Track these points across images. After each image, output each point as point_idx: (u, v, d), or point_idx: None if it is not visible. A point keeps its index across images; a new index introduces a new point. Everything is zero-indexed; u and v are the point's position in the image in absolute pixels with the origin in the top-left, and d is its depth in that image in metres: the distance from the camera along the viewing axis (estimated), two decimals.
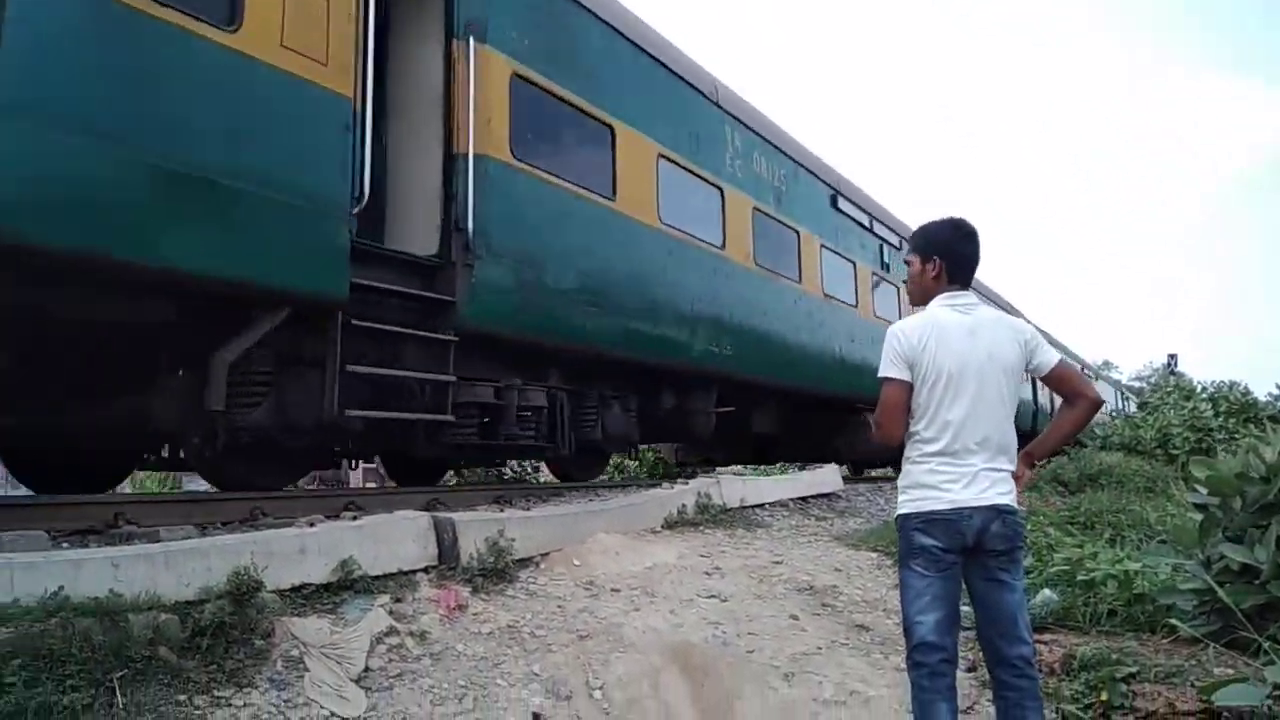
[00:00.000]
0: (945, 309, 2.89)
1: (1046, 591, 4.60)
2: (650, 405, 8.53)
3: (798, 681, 3.85)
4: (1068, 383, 2.92)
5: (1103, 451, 13.64)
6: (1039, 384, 15.57)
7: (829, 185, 12.26)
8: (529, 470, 17.18)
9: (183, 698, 2.94)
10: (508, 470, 15.97)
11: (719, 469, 8.62)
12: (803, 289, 10.87)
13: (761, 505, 7.54)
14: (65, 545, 3.85)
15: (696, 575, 5.06)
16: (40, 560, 3.03)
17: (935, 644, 2.68)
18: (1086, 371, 31.49)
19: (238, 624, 3.29)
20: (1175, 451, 17.29)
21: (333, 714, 3.10)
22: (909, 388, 2.85)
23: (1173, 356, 35.79)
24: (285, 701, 3.08)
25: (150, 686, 2.92)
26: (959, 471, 2.75)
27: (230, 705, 3.00)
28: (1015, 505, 2.79)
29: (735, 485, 7.30)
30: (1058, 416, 2.99)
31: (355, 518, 4.38)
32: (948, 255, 3.00)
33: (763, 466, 10.07)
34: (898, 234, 14.01)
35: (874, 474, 16.08)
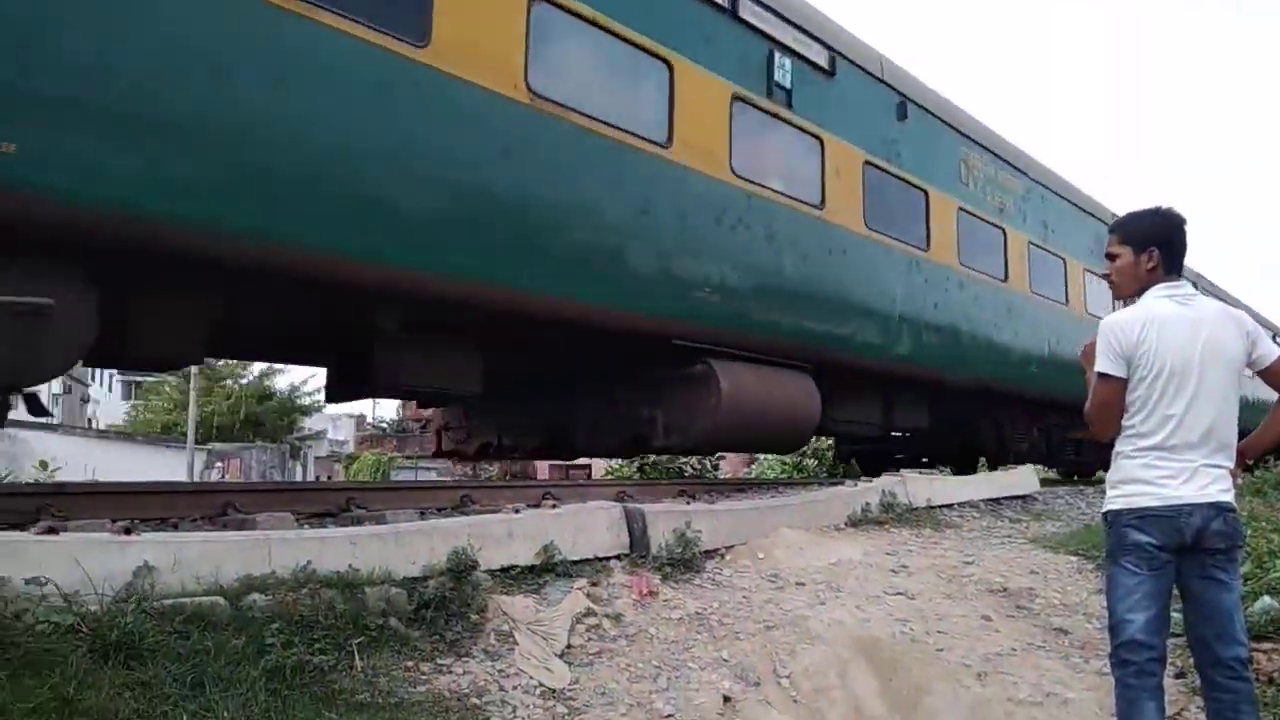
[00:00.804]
0: (1164, 300, 2.80)
1: (1267, 599, 4.30)
2: None
3: (990, 681, 3.79)
4: None
5: None
6: None
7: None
8: (709, 468, 17.45)
9: (410, 664, 3.28)
10: (688, 467, 16.31)
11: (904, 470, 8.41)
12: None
13: (950, 506, 7.35)
14: (306, 525, 4.34)
15: (882, 572, 5.04)
16: (293, 537, 3.46)
17: (1144, 642, 2.60)
18: None
19: (456, 599, 3.62)
20: None
21: (540, 684, 3.35)
22: (1124, 384, 2.77)
23: None
24: (499, 671, 3.37)
25: (383, 652, 3.26)
26: (1178, 466, 2.66)
27: (451, 672, 3.31)
28: (1234, 503, 2.68)
29: (921, 484, 7.17)
30: (1272, 415, 2.83)
31: (555, 506, 4.68)
32: (1165, 245, 2.90)
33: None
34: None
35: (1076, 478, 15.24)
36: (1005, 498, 8.42)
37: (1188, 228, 2.95)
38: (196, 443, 27.50)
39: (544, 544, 4.19)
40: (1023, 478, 9.00)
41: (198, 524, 4.03)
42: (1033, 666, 3.98)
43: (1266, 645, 3.89)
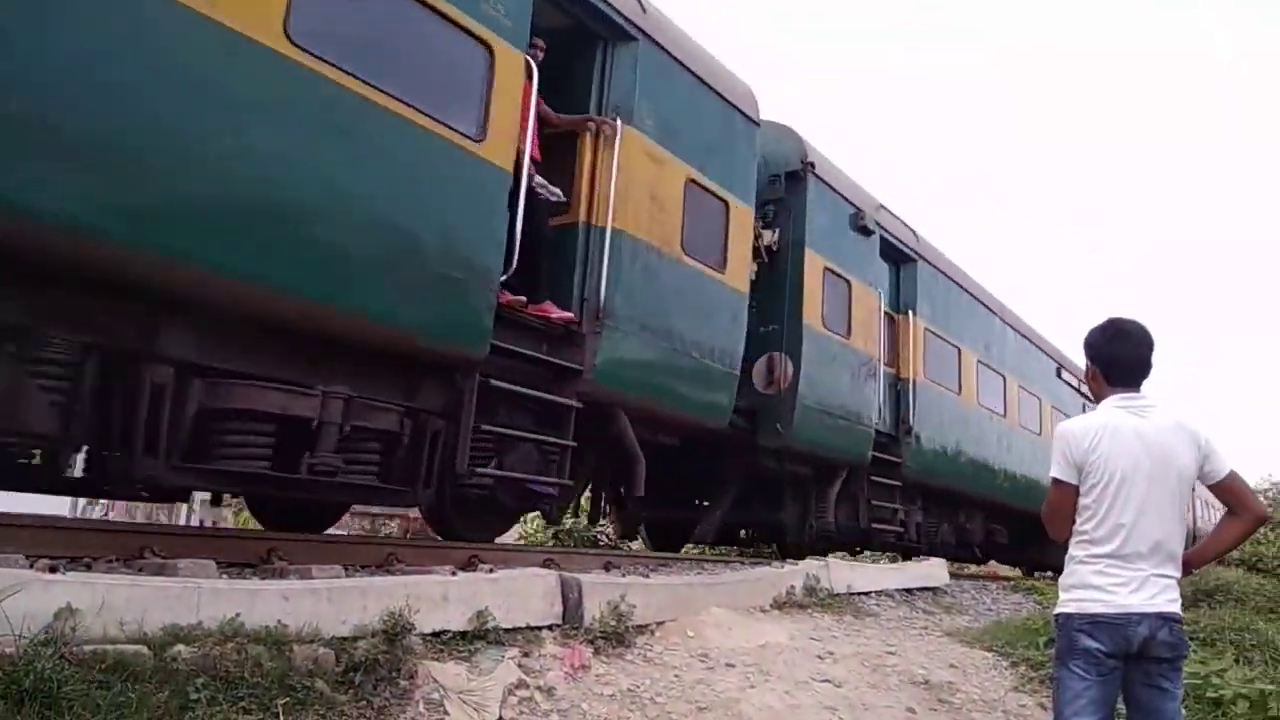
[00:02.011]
0: (1119, 410, 2.91)
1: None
2: None
3: None
4: (1237, 494, 2.88)
5: (1221, 567, 12.99)
6: None
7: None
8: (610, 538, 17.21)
9: None
10: (604, 537, 16.07)
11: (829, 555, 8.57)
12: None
13: (868, 593, 7.44)
14: (226, 575, 4.12)
15: (809, 658, 5.05)
16: (225, 587, 3.29)
17: None
18: None
19: (386, 662, 3.47)
20: None
21: None
22: (1075, 490, 2.87)
23: None
24: None
25: (309, 716, 3.09)
26: (1129, 575, 2.75)
27: None
28: (1180, 614, 2.77)
29: (843, 570, 7.25)
30: (1220, 528, 2.96)
31: (491, 570, 4.56)
32: (1098, 359, 3.04)
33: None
34: None
35: (971, 569, 15.66)
36: (918, 588, 8.58)
37: (1138, 339, 2.99)
38: None
39: (478, 609, 4.06)
40: (934, 570, 9.18)
41: (113, 566, 3.79)
42: None
43: None
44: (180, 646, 2.92)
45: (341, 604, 3.54)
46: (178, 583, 3.23)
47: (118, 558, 3.91)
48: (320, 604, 3.47)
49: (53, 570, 3.10)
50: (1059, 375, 16.08)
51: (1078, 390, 15.89)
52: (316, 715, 3.13)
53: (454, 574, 4.29)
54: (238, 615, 3.19)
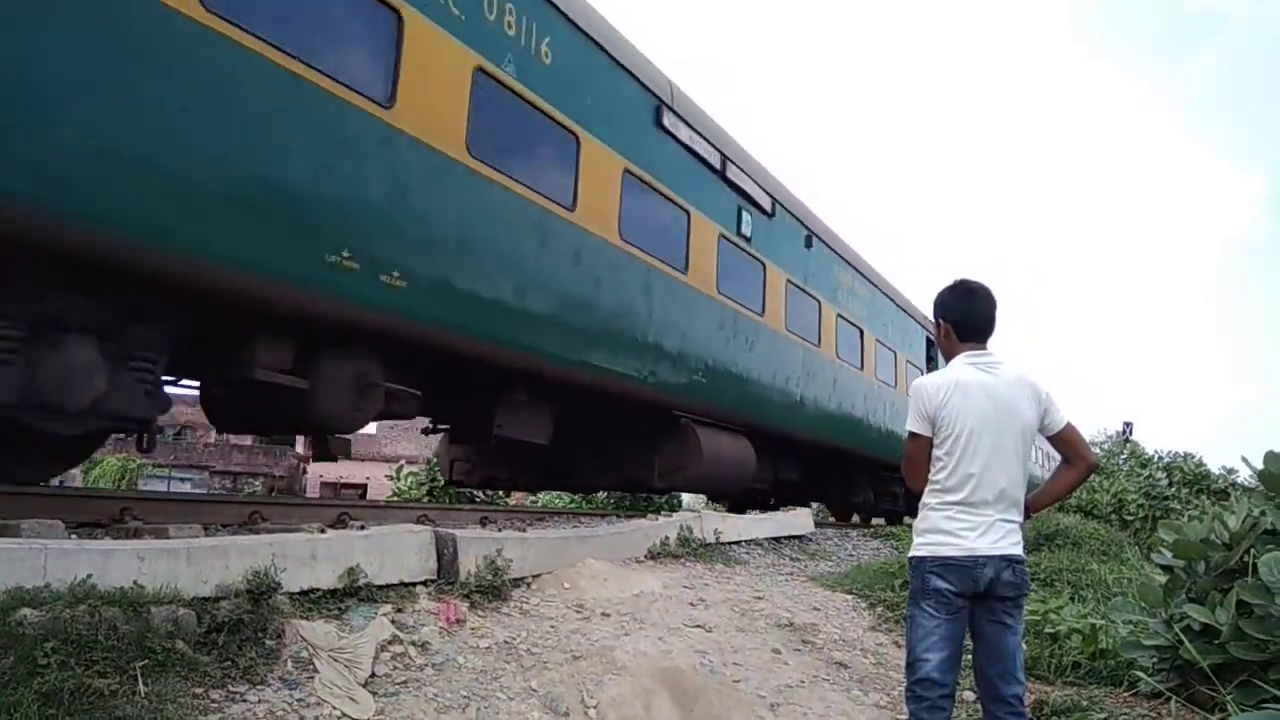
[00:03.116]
0: (967, 366, 3.08)
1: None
2: None
3: (783, 712, 4.00)
4: (1072, 444, 3.10)
5: (1059, 513, 14.04)
6: None
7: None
8: (499, 494, 17.21)
9: (199, 690, 3.02)
10: (479, 494, 16.01)
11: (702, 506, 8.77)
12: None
13: (738, 542, 7.69)
14: (74, 536, 3.91)
15: (682, 605, 5.20)
16: (73, 548, 3.12)
17: (938, 680, 2.85)
18: None
19: (251, 623, 3.38)
20: (1129, 517, 17.78)
21: (344, 714, 3.19)
22: (929, 442, 3.04)
23: (1128, 424, 36.11)
24: (298, 701, 3.17)
25: (169, 678, 2.98)
26: (976, 521, 2.93)
27: (245, 700, 3.08)
28: (1023, 555, 2.98)
29: (714, 520, 7.46)
30: (1056, 475, 3.18)
31: (363, 527, 4.48)
32: (948, 315, 3.21)
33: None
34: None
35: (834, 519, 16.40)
36: (785, 537, 8.92)
37: (983, 297, 3.19)
38: None
39: (349, 566, 3.99)
40: (801, 519, 9.56)
41: None
42: (819, 699, 4.23)
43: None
44: (26, 610, 2.76)
45: (202, 564, 3.42)
46: (21, 544, 3.04)
47: None
48: (179, 564, 3.34)
49: None
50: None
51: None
52: (178, 676, 3.02)
53: (323, 532, 4.18)
54: (89, 577, 3.04)
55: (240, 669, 3.22)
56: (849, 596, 6.26)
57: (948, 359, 3.19)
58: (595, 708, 3.78)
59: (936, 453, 3.03)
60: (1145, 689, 4.52)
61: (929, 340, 16.93)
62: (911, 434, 3.10)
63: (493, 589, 4.52)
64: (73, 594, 2.96)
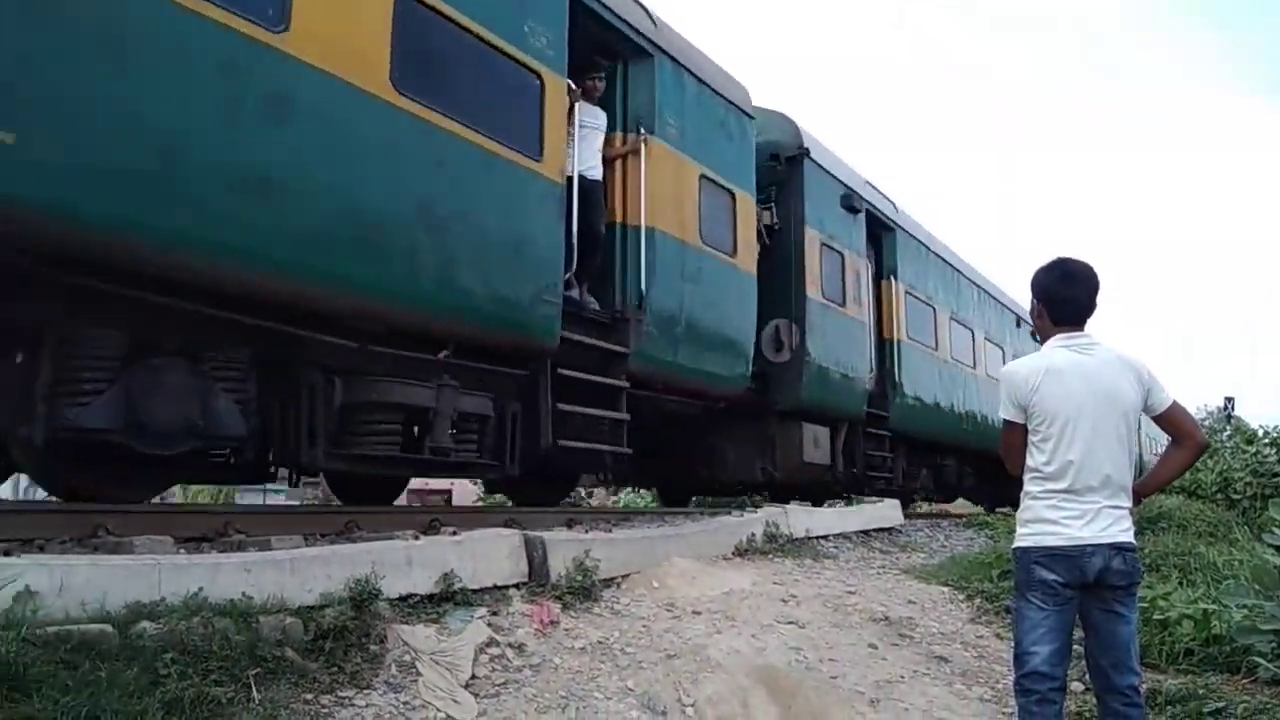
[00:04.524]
0: (1060, 349, 2.97)
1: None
2: None
3: (884, 707, 3.93)
4: (1179, 424, 2.98)
5: (1162, 495, 13.52)
6: None
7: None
8: (583, 495, 17.36)
9: (309, 696, 3.11)
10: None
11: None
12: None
13: (825, 536, 7.60)
14: (183, 551, 4.07)
15: (773, 602, 5.15)
16: (185, 563, 3.24)
17: (1047, 673, 2.76)
18: None
19: (355, 629, 3.47)
20: (1236, 497, 16.98)
21: (448, 716, 3.25)
22: (1023, 429, 2.95)
23: (1230, 400, 34.56)
24: (404, 704, 3.24)
25: (281, 685, 3.08)
26: (1081, 509, 2.83)
27: (353, 705, 3.16)
28: (1134, 542, 2.88)
29: (801, 516, 7.39)
30: (1165, 457, 3.05)
31: (455, 533, 4.56)
32: (1044, 297, 3.10)
33: None
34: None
35: (924, 509, 16.12)
36: (874, 529, 8.78)
37: (1083, 279, 3.07)
38: None
39: (444, 572, 4.07)
40: (889, 511, 9.40)
41: (67, 546, 3.71)
42: (920, 693, 4.14)
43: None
44: (145, 623, 2.88)
45: (305, 574, 3.52)
46: (137, 560, 3.18)
47: (71, 538, 3.83)
48: (283, 575, 3.45)
49: (6, 554, 3.03)
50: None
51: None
52: (289, 683, 3.12)
53: (417, 538, 4.27)
54: (200, 590, 3.15)
55: (347, 674, 3.31)
56: (945, 589, 6.12)
57: (1042, 341, 3.09)
58: (693, 705, 3.77)
59: (1033, 439, 2.94)
60: (1264, 675, 4.31)
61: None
62: (1006, 422, 3.02)
63: (583, 590, 4.56)
64: (186, 607, 3.07)
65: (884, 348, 11.66)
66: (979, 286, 15.59)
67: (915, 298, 12.62)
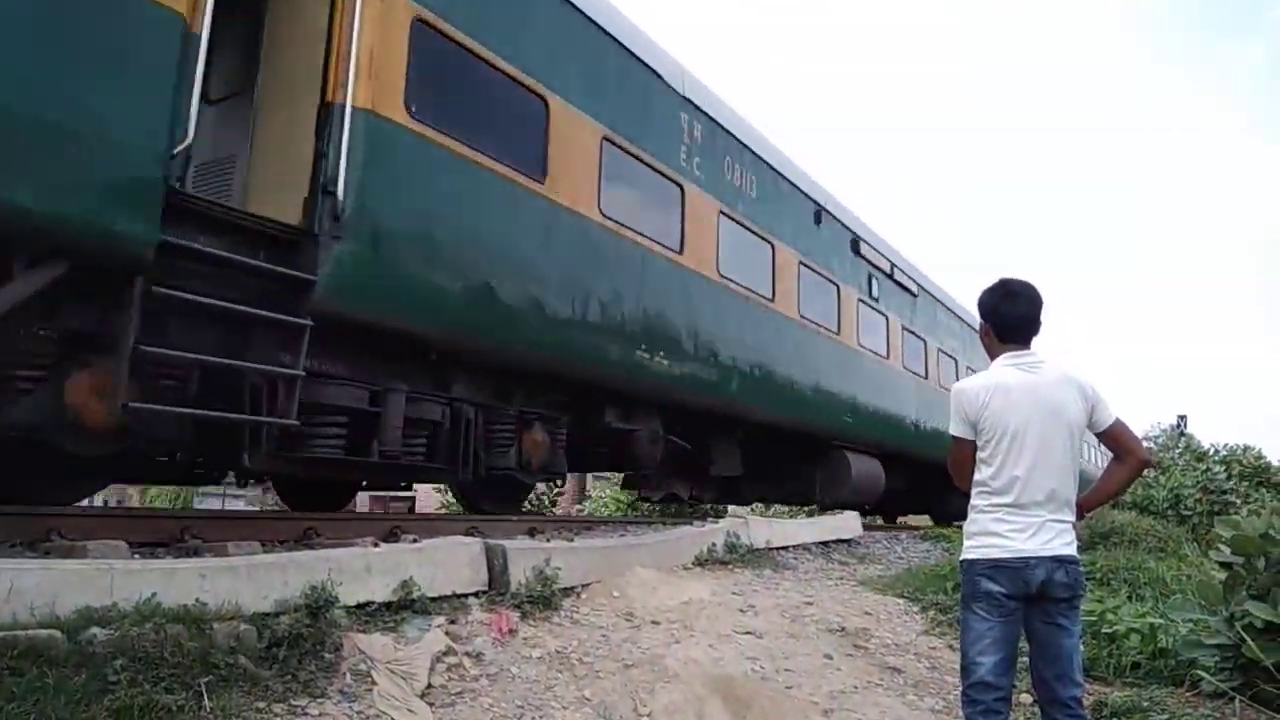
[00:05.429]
0: (1009, 368, 3.05)
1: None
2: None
3: (838, 717, 3.98)
4: (1122, 441, 3.07)
5: (1114, 510, 13.79)
6: None
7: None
8: (547, 504, 17.31)
9: (262, 704, 3.09)
10: (526, 504, 16.14)
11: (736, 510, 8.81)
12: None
13: (785, 547, 7.67)
14: (137, 555, 4.02)
15: (731, 612, 5.19)
16: (139, 567, 3.21)
17: (993, 684, 2.82)
18: None
19: (310, 636, 3.45)
20: (1187, 513, 17.39)
21: None
22: (973, 445, 3.02)
23: (1182, 418, 35.22)
24: (358, 713, 3.23)
25: (233, 692, 3.06)
26: (1025, 522, 2.90)
27: (306, 714, 3.14)
28: (1076, 555, 2.95)
29: (761, 527, 7.45)
30: (1108, 472, 3.14)
31: (415, 540, 4.55)
32: (990, 317, 3.18)
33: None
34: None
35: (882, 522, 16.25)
36: (833, 540, 8.88)
37: (1026, 297, 3.12)
38: None
39: (403, 580, 4.06)
40: (848, 522, 9.50)
41: (18, 549, 3.65)
42: (873, 704, 4.20)
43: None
44: (95, 629, 2.85)
45: (261, 580, 3.50)
46: (90, 564, 3.14)
47: (21, 541, 3.77)
48: (239, 581, 3.43)
49: None
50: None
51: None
52: (241, 691, 3.10)
53: (376, 546, 4.26)
54: (154, 595, 3.13)
55: (300, 682, 3.29)
56: (900, 600, 6.21)
57: (991, 359, 3.17)
58: (649, 715, 3.79)
59: (981, 455, 3.02)
60: (1208, 688, 4.43)
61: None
62: (955, 438, 3.09)
63: (543, 599, 4.57)
64: (139, 612, 3.05)
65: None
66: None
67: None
